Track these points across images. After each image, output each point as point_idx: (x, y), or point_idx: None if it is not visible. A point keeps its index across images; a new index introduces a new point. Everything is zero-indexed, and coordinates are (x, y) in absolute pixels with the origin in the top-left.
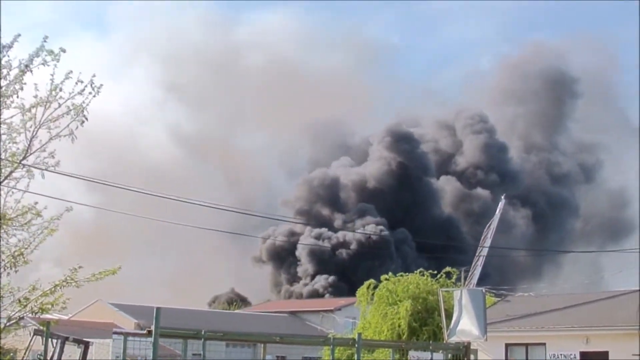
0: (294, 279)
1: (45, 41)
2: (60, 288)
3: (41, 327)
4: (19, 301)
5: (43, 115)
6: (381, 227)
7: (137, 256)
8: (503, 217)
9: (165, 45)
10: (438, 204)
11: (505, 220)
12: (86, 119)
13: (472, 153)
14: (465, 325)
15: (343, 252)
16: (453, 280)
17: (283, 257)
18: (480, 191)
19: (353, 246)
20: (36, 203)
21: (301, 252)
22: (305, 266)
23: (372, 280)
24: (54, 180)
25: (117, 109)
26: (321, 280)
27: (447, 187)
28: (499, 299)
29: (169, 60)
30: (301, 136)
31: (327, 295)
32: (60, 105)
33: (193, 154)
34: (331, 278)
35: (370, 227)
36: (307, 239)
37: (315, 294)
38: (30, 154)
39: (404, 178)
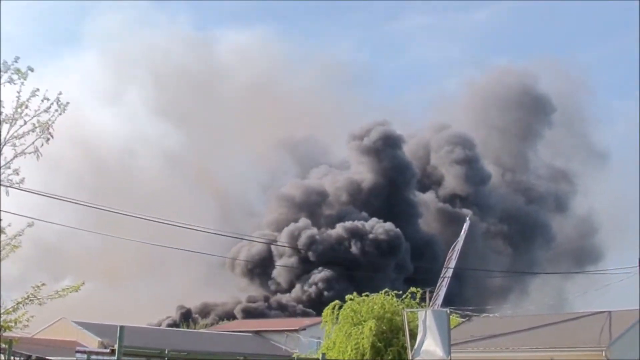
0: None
1: (16, 61)
2: (23, 305)
3: (4, 345)
4: None
5: (8, 132)
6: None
7: (113, 277)
8: (475, 239)
9: (143, 63)
10: (417, 220)
11: (475, 241)
12: (51, 136)
13: (450, 174)
14: (429, 346)
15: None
16: (418, 300)
17: (258, 272)
18: (460, 211)
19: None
20: None
21: (279, 270)
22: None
23: (337, 301)
24: (30, 199)
25: (101, 127)
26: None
27: (428, 203)
28: (463, 319)
29: (149, 79)
30: (279, 154)
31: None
32: (25, 123)
33: (176, 173)
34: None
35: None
36: (284, 259)
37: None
38: None
39: (385, 189)
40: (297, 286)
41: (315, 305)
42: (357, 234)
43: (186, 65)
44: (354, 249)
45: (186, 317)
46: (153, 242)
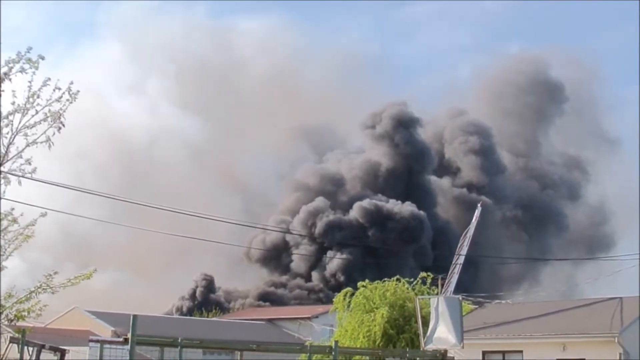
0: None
1: (28, 51)
2: (36, 295)
3: (17, 335)
4: None
5: (20, 122)
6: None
7: (129, 267)
8: (489, 226)
9: (162, 53)
10: (434, 206)
11: (490, 228)
12: (63, 125)
13: (465, 163)
14: (441, 333)
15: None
16: (428, 286)
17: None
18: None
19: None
20: (12, 209)
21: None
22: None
23: (349, 289)
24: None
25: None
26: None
27: (445, 189)
28: (476, 306)
29: (169, 70)
30: (297, 143)
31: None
32: (37, 112)
33: (197, 164)
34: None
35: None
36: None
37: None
38: (7, 160)
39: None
40: (315, 273)
41: (334, 291)
42: (378, 216)
43: (204, 55)
44: (373, 232)
45: (209, 289)
46: (177, 234)
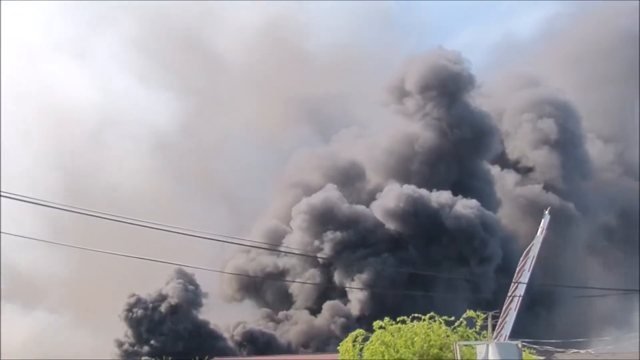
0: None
1: None
2: None
3: None
4: None
5: None
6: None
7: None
8: (568, 241)
9: (117, 5)
10: (493, 208)
11: (569, 245)
12: None
13: (538, 152)
14: None
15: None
16: (477, 329)
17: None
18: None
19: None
20: None
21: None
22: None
23: (360, 330)
24: None
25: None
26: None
27: (505, 185)
28: (542, 358)
29: (122, 27)
30: (297, 125)
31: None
32: None
33: (165, 157)
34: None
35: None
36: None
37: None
38: None
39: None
40: (326, 305)
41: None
42: (420, 216)
43: (171, 5)
44: (411, 240)
45: None
46: (134, 254)
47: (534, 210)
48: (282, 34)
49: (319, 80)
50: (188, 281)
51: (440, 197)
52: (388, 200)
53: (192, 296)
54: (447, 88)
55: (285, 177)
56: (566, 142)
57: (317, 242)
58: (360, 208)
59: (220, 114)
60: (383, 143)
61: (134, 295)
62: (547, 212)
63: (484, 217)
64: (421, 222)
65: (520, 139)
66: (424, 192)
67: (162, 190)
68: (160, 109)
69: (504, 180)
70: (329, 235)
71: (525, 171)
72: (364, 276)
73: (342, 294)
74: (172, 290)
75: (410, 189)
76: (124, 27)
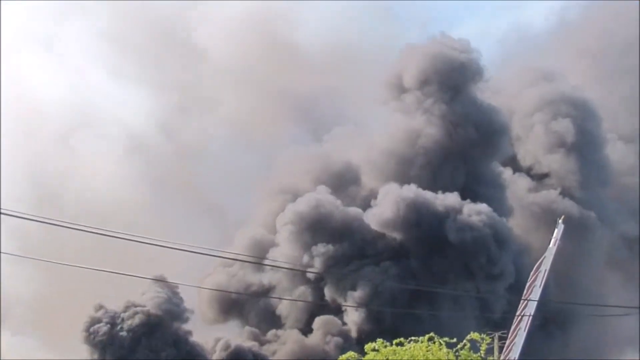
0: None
1: None
2: None
3: None
4: None
5: None
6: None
7: None
8: (585, 253)
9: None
10: (505, 214)
11: (585, 257)
12: None
13: (552, 160)
14: None
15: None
16: (482, 353)
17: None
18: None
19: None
20: None
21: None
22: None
23: (352, 353)
24: None
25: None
26: None
27: (518, 190)
28: None
29: (89, 13)
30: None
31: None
32: None
33: (141, 161)
34: None
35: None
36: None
37: None
38: None
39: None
40: (318, 321)
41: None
42: (421, 219)
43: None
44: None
45: None
46: (104, 268)
47: (548, 219)
48: (271, 25)
49: (311, 75)
50: (171, 294)
51: (446, 201)
52: (385, 205)
53: (175, 309)
54: (452, 80)
55: (273, 181)
56: (584, 145)
57: (306, 258)
58: (354, 213)
59: (202, 112)
60: (381, 143)
61: (101, 308)
62: (560, 221)
63: (495, 225)
64: (424, 230)
65: (533, 142)
66: (428, 194)
67: (139, 196)
68: (137, 108)
69: (515, 185)
70: (320, 248)
71: (538, 177)
72: (359, 293)
73: (337, 310)
74: (150, 302)
75: (411, 190)
76: (95, 17)
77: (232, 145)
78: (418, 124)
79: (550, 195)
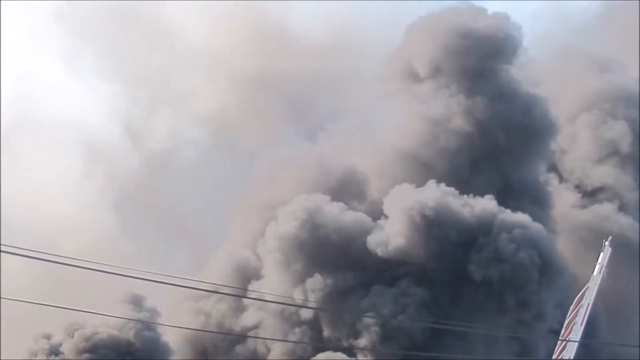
0: None
1: None
2: None
3: None
4: None
5: None
6: None
7: None
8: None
9: None
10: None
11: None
12: None
13: (601, 168)
14: None
15: None
16: None
17: None
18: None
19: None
20: None
21: None
22: None
23: None
24: None
25: None
26: None
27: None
28: None
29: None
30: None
31: None
32: None
33: (108, 171)
34: None
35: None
36: None
37: None
38: None
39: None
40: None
41: None
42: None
43: None
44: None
45: None
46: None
47: (599, 241)
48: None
49: (303, 61)
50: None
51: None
52: (396, 216)
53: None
54: (478, 62)
55: (256, 191)
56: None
57: (298, 294)
58: (357, 227)
59: (174, 108)
60: (390, 141)
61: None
62: (607, 243)
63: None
64: (448, 245)
65: (578, 150)
66: (453, 203)
67: (96, 214)
68: (93, 104)
69: (557, 197)
70: (317, 281)
71: (587, 193)
72: (370, 335)
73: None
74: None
75: (432, 193)
76: None
77: (209, 147)
78: (437, 114)
79: (602, 211)
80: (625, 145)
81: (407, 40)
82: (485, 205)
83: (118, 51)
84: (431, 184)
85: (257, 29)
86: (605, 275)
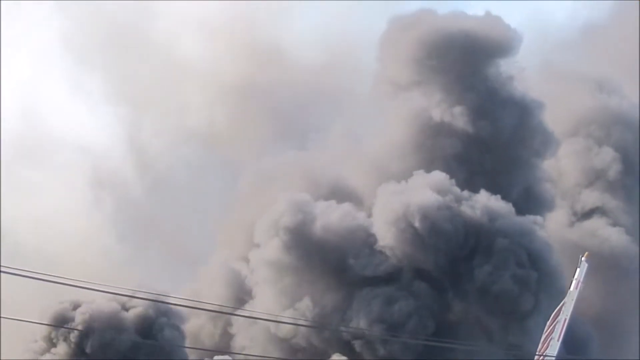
0: None
1: None
2: None
3: None
4: None
5: None
6: None
7: None
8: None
9: None
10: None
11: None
12: None
13: (596, 189)
14: None
15: None
16: None
17: None
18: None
19: None
20: None
21: None
22: None
23: None
24: None
25: None
26: None
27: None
28: None
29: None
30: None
31: None
32: None
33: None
34: None
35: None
36: None
37: None
38: None
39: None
40: None
41: None
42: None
43: None
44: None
45: None
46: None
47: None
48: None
49: (293, 74)
50: None
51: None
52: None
53: None
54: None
55: (244, 206)
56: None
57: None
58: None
59: (172, 126)
60: (382, 147)
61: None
62: (583, 258)
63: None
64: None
65: (568, 174)
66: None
67: (107, 244)
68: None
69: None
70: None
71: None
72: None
73: None
74: None
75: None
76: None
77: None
78: (428, 118)
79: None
80: (613, 173)
81: (382, 49)
82: (477, 212)
83: (119, 73)
84: (422, 188)
85: (248, 43)
86: (581, 290)
